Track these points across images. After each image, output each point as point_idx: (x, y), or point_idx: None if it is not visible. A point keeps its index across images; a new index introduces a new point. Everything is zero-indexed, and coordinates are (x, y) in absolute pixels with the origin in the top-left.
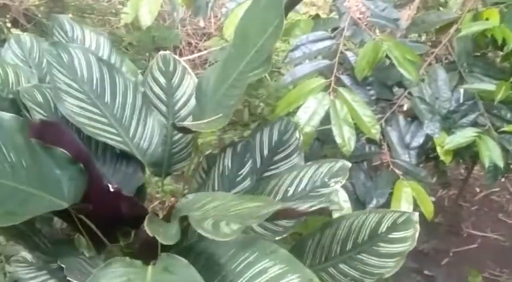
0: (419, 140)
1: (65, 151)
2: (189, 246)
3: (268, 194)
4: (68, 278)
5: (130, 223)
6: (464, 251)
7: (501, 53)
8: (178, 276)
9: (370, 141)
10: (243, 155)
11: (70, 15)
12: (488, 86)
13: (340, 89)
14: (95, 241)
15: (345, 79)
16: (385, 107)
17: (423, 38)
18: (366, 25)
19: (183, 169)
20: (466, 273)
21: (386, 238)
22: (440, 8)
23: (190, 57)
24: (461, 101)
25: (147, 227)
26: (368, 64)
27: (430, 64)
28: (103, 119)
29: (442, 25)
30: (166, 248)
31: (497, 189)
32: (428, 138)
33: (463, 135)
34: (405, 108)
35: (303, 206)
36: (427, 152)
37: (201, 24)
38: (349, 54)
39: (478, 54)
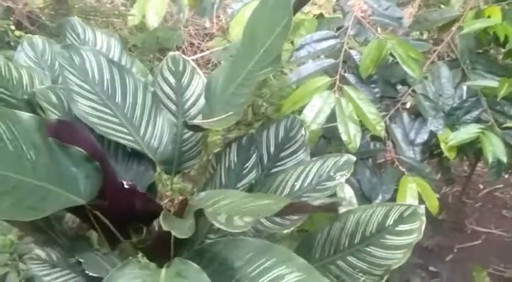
0: (423, 137)
1: (81, 149)
2: (203, 248)
3: (275, 189)
4: (86, 272)
5: (143, 219)
6: (468, 247)
7: (503, 50)
8: (191, 281)
9: (375, 138)
10: (248, 148)
11: (76, 17)
12: (491, 82)
13: (345, 87)
14: (108, 237)
15: (350, 77)
16: (389, 104)
17: (425, 36)
18: (368, 23)
19: (193, 167)
20: (471, 269)
21: (394, 230)
22: (441, 6)
23: (193, 57)
24: (464, 97)
25: (163, 222)
26: (372, 62)
27: (433, 62)
28: (114, 119)
29: (444, 23)
30: (179, 245)
31: (501, 185)
32: (432, 134)
33: (467, 132)
34: (408, 105)
35: (314, 202)
36: (431, 149)
37: (207, 24)
38: (353, 52)
39: (481, 51)
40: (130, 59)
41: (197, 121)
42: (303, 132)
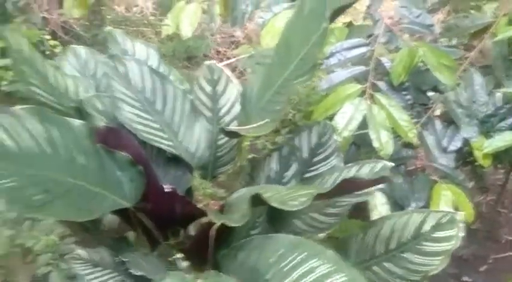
0: (456, 144)
1: (127, 154)
2: (239, 246)
3: None
4: (130, 271)
5: (182, 222)
6: (503, 258)
7: None
8: None
9: (406, 145)
10: (288, 157)
11: (109, 27)
12: None
13: (377, 95)
14: (148, 238)
15: (380, 84)
16: (420, 111)
17: (453, 41)
18: (398, 31)
19: (227, 172)
20: (505, 279)
21: (430, 237)
22: (472, 11)
23: (219, 64)
24: (498, 104)
25: (212, 217)
26: (404, 69)
27: (465, 69)
28: (155, 125)
29: (476, 30)
30: (219, 245)
31: None
32: (465, 142)
33: (502, 139)
34: (438, 112)
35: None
36: (463, 156)
37: (237, 33)
38: (384, 60)
39: None
40: (167, 68)
41: (235, 128)
42: (335, 137)
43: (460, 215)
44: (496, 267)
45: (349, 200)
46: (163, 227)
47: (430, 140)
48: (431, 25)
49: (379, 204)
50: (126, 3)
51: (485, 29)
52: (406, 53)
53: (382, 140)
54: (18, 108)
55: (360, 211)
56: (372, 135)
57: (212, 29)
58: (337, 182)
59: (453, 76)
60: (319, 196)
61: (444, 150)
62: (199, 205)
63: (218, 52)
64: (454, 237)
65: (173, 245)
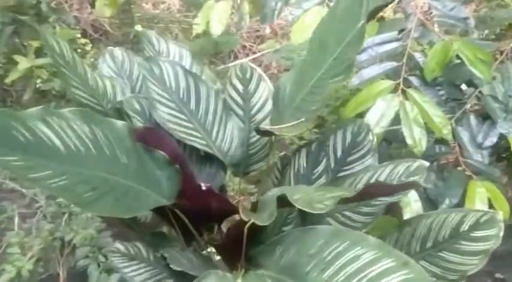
0: (492, 140)
1: (164, 153)
2: (277, 240)
3: None
4: (170, 266)
5: (217, 218)
6: None
7: None
8: None
9: (440, 141)
10: (317, 153)
11: (139, 25)
12: None
13: (409, 90)
14: (184, 234)
15: (413, 80)
16: (454, 106)
17: (484, 34)
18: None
19: (260, 169)
20: None
21: (469, 236)
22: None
23: (245, 59)
24: None
25: (242, 214)
26: (438, 65)
27: (501, 62)
28: (189, 125)
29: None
30: (251, 241)
31: None
32: (502, 137)
33: None
34: (468, 107)
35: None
36: (498, 152)
37: (267, 30)
38: (417, 55)
39: None
40: (200, 67)
41: (270, 127)
42: (370, 137)
43: (501, 215)
44: None
45: (384, 200)
46: (199, 223)
47: (464, 135)
48: (467, 18)
49: (412, 201)
50: (154, 0)
51: None
52: (440, 48)
53: (415, 136)
54: (65, 110)
55: (391, 207)
56: (405, 132)
57: (241, 26)
58: (366, 185)
59: (489, 70)
60: (346, 199)
61: (479, 146)
62: (234, 202)
63: (244, 47)
64: (493, 237)
65: (207, 241)
